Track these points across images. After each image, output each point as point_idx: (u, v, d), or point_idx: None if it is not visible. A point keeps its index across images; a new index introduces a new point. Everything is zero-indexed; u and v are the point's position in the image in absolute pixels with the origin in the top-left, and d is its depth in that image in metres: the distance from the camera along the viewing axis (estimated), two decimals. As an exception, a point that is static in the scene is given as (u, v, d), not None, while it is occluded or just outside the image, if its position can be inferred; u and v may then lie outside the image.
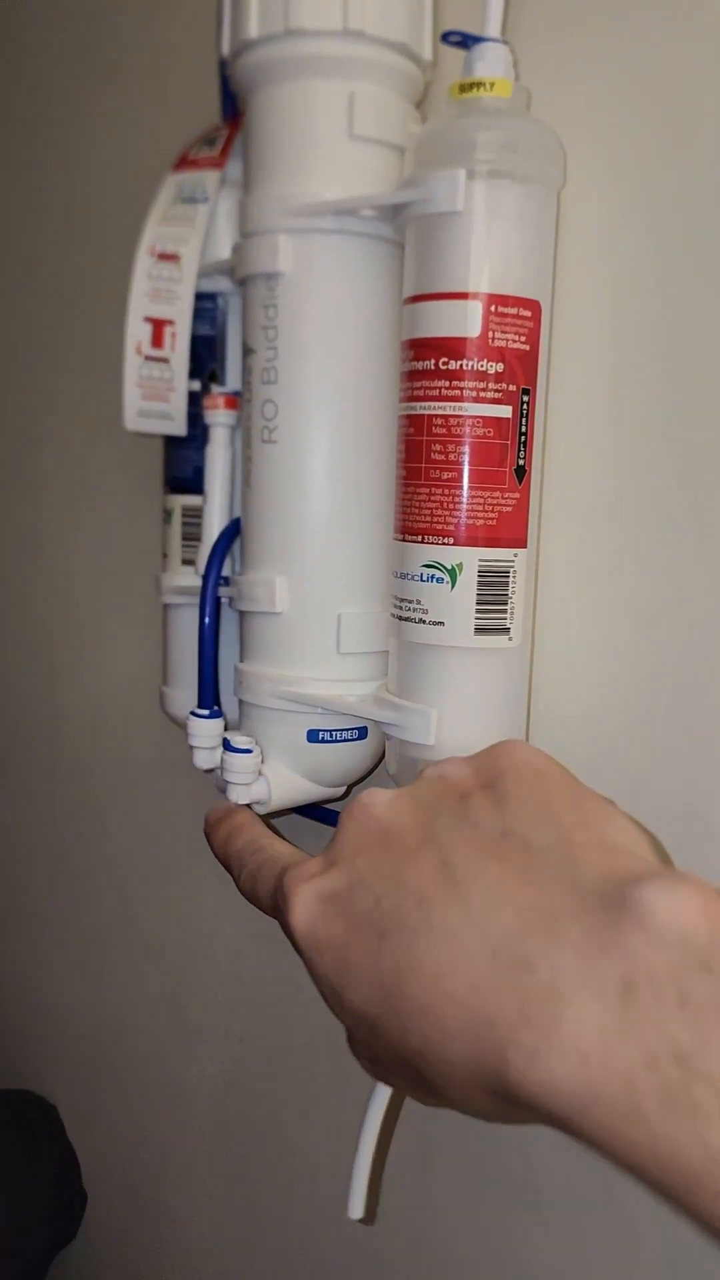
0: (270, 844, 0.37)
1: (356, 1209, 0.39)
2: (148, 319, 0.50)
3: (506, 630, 0.44)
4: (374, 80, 0.45)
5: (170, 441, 0.56)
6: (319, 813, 0.56)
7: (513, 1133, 0.53)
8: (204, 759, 0.52)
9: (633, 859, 0.26)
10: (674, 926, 0.22)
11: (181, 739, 0.53)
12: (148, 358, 0.50)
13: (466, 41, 0.43)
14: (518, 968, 0.24)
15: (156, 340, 0.50)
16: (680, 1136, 0.20)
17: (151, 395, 0.50)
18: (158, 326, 0.50)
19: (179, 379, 0.51)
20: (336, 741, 0.50)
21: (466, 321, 0.42)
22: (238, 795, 0.49)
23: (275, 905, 0.32)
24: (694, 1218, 0.21)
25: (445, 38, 0.44)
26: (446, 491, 0.43)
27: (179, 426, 0.52)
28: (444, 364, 0.43)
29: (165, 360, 0.50)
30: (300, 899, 0.29)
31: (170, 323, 0.50)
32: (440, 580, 0.43)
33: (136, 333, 0.50)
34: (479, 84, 0.43)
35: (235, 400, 0.52)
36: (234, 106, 0.53)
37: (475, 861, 0.27)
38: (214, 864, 0.69)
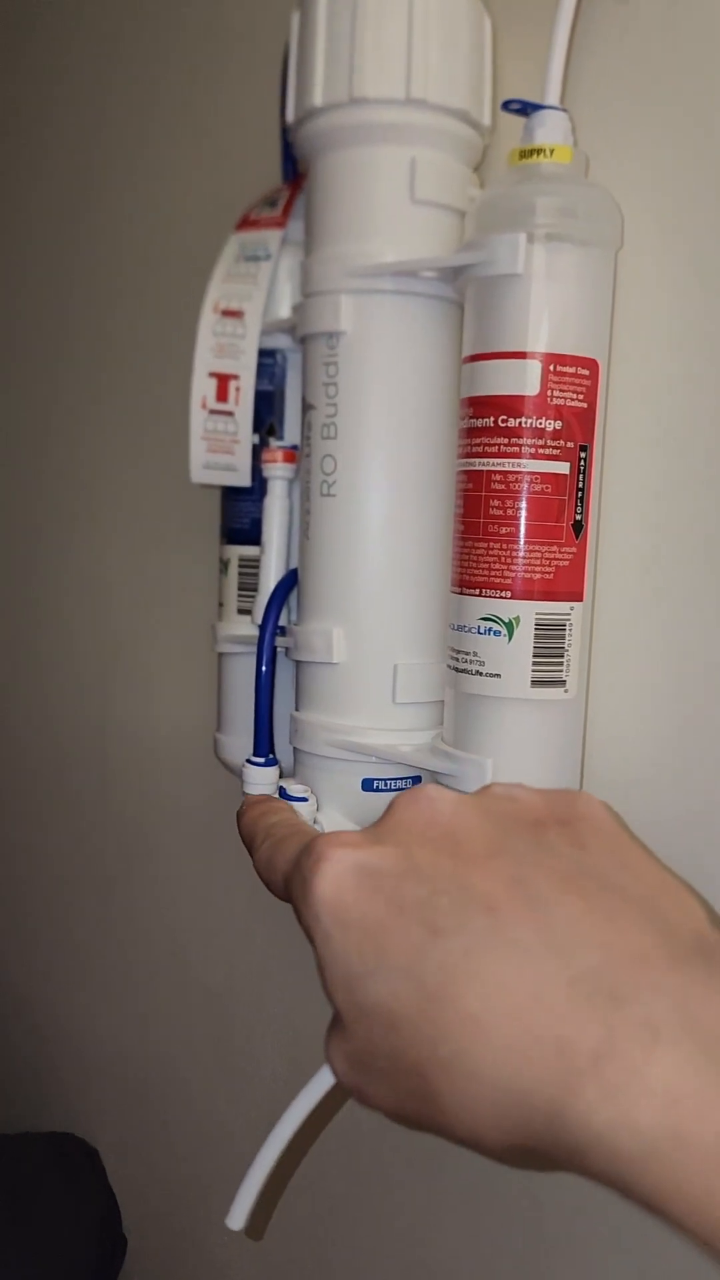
0: (305, 827, 0.34)
1: (238, 1220, 0.36)
2: (213, 374, 0.51)
3: (563, 682, 0.44)
4: (435, 146, 0.47)
5: (228, 493, 0.57)
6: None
7: (521, 1174, 0.53)
8: (259, 806, 0.52)
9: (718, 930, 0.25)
10: None
11: (232, 784, 0.54)
12: (212, 411, 0.51)
13: (527, 109, 0.45)
14: (605, 999, 0.22)
15: (221, 394, 0.51)
16: None
17: (217, 448, 0.51)
18: (222, 381, 0.51)
19: (244, 432, 0.52)
20: (391, 790, 0.50)
21: (525, 380, 0.43)
22: (293, 843, 0.50)
23: (294, 872, 0.29)
24: None
25: (506, 105, 0.45)
26: (504, 546, 0.44)
27: (243, 478, 0.53)
28: (503, 421, 0.43)
29: (230, 414, 0.51)
30: (334, 864, 0.27)
31: (235, 377, 0.51)
32: (497, 633, 0.44)
33: (202, 387, 0.51)
34: (539, 150, 0.44)
35: (293, 454, 0.53)
36: (295, 168, 0.55)
37: (555, 888, 0.25)
38: (264, 908, 0.70)
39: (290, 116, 0.49)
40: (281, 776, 0.53)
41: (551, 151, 0.44)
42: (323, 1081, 0.33)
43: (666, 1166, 0.20)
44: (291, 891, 0.29)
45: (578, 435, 0.43)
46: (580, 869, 0.26)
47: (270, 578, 0.53)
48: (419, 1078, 0.25)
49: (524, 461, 0.43)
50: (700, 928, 0.25)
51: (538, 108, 0.44)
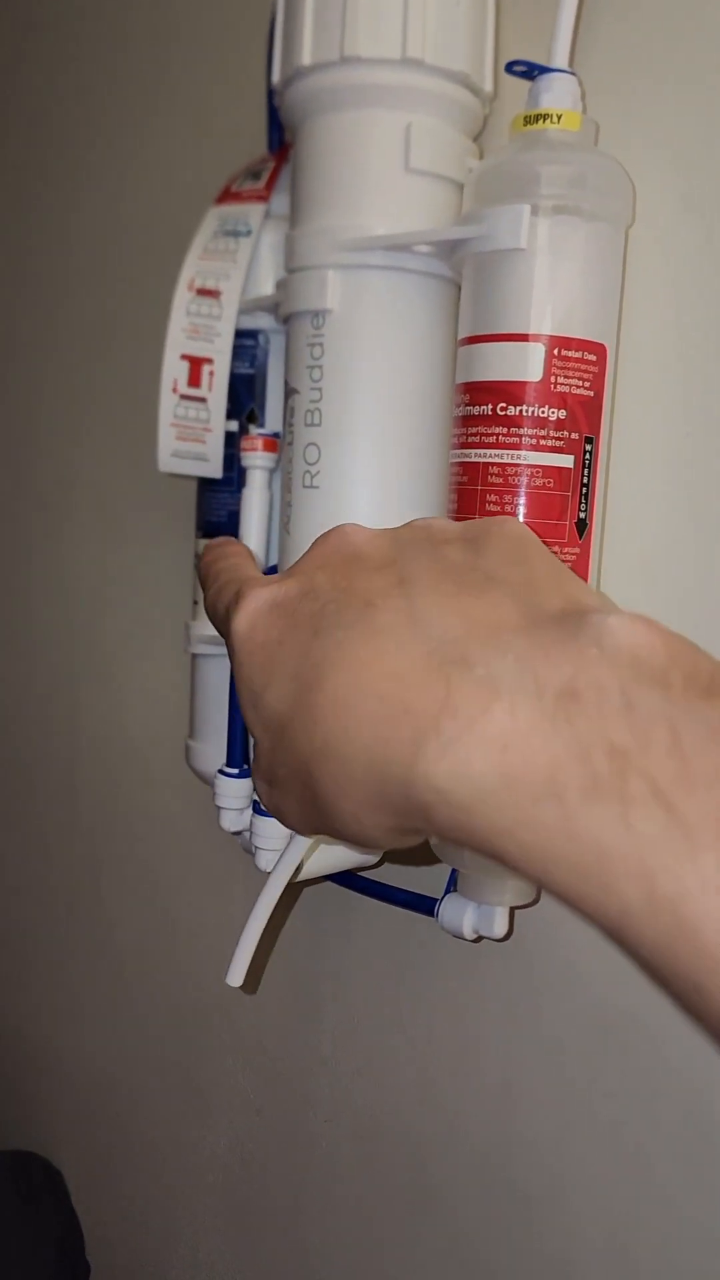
0: (253, 573, 0.34)
1: (237, 977, 0.40)
2: (185, 356, 0.47)
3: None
4: (432, 112, 0.43)
5: (204, 484, 0.53)
6: (353, 881, 0.52)
7: (504, 1218, 0.49)
8: (231, 820, 0.49)
9: (598, 605, 0.25)
10: (631, 648, 0.21)
11: (206, 792, 0.50)
12: (184, 397, 0.47)
13: (532, 71, 0.41)
14: (453, 665, 0.22)
15: (193, 379, 0.47)
16: (600, 818, 0.19)
17: (186, 436, 0.47)
18: (195, 365, 0.47)
19: (216, 419, 0.48)
20: (374, 806, 0.46)
21: (527, 364, 0.40)
22: (266, 862, 0.46)
23: (225, 616, 0.30)
24: (582, 901, 0.20)
25: (510, 67, 0.41)
26: (502, 545, 0.40)
27: (214, 469, 0.50)
28: (502, 409, 0.40)
29: (202, 400, 0.47)
30: (249, 602, 0.29)
31: (208, 361, 0.47)
32: (493, 639, 0.40)
33: (173, 371, 0.47)
34: (545, 116, 0.40)
35: (274, 442, 0.49)
36: (281, 137, 0.51)
37: (433, 580, 0.26)
38: (235, 924, 0.67)
39: (277, 78, 0.45)
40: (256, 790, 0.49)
41: (559, 117, 0.40)
42: (299, 845, 0.38)
43: (496, 807, 0.21)
44: (222, 634, 0.31)
45: (583, 426, 0.40)
46: (468, 567, 0.26)
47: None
48: (305, 776, 0.25)
49: (524, 453, 0.40)
50: (571, 605, 0.24)
51: (544, 70, 0.41)
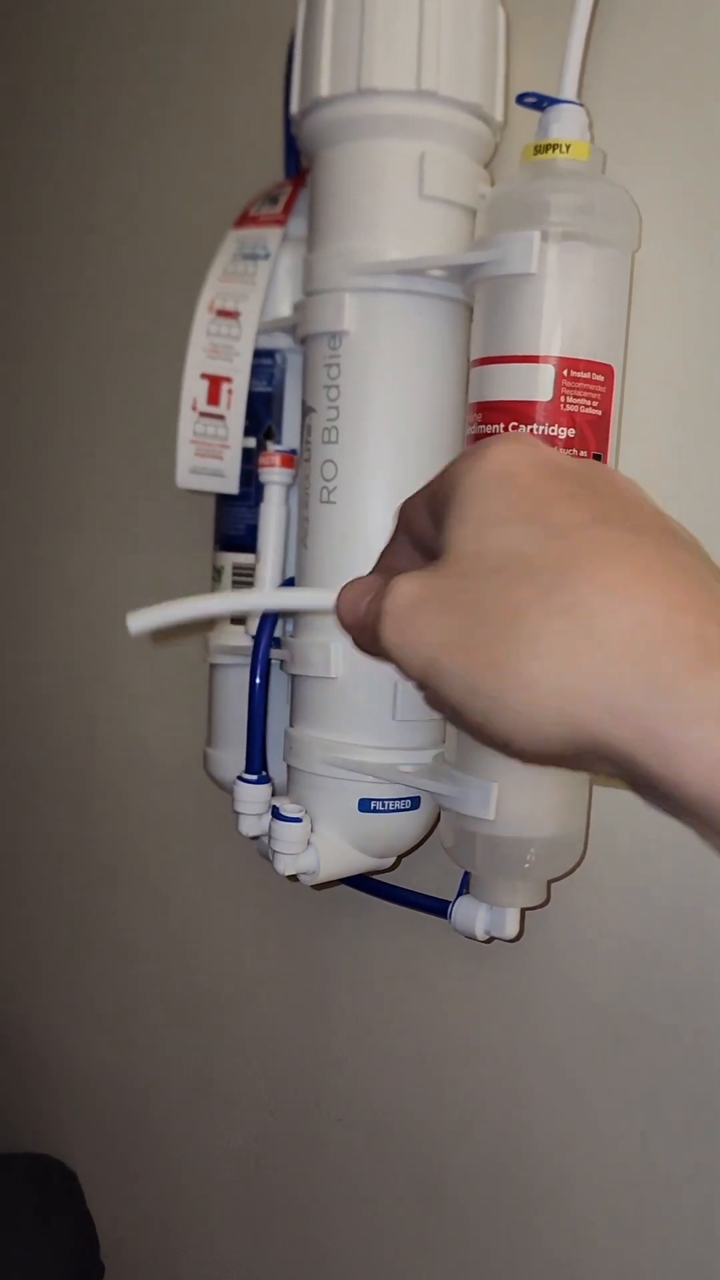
0: None
1: (138, 624, 0.36)
2: (205, 375, 0.49)
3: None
4: (445, 140, 0.45)
5: (222, 498, 0.55)
6: (366, 883, 0.54)
7: (511, 1217, 0.50)
8: (250, 825, 0.50)
9: None
10: None
11: (221, 799, 0.52)
12: (203, 414, 0.49)
13: (542, 103, 0.43)
14: None
15: (213, 397, 0.49)
16: None
17: (205, 453, 0.49)
18: (214, 383, 0.49)
19: (234, 437, 0.50)
20: (389, 811, 0.48)
21: (538, 385, 0.41)
22: (284, 866, 0.47)
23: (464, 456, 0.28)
24: None
25: (521, 99, 0.43)
26: (513, 558, 0.42)
27: (231, 485, 0.51)
28: (513, 428, 0.41)
29: (221, 418, 0.49)
30: (515, 441, 0.27)
31: (227, 380, 0.49)
32: (505, 649, 0.42)
33: (193, 389, 0.49)
34: (554, 146, 0.42)
35: (291, 459, 0.51)
36: (298, 163, 0.53)
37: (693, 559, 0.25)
38: (250, 926, 0.68)
39: (295, 107, 0.47)
40: (275, 795, 0.51)
41: (568, 147, 0.42)
42: (320, 599, 0.34)
43: None
44: (442, 482, 0.28)
45: (591, 444, 0.42)
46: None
47: (266, 587, 0.51)
48: (503, 625, 0.24)
49: (535, 470, 0.41)
50: None
51: (553, 101, 0.42)
